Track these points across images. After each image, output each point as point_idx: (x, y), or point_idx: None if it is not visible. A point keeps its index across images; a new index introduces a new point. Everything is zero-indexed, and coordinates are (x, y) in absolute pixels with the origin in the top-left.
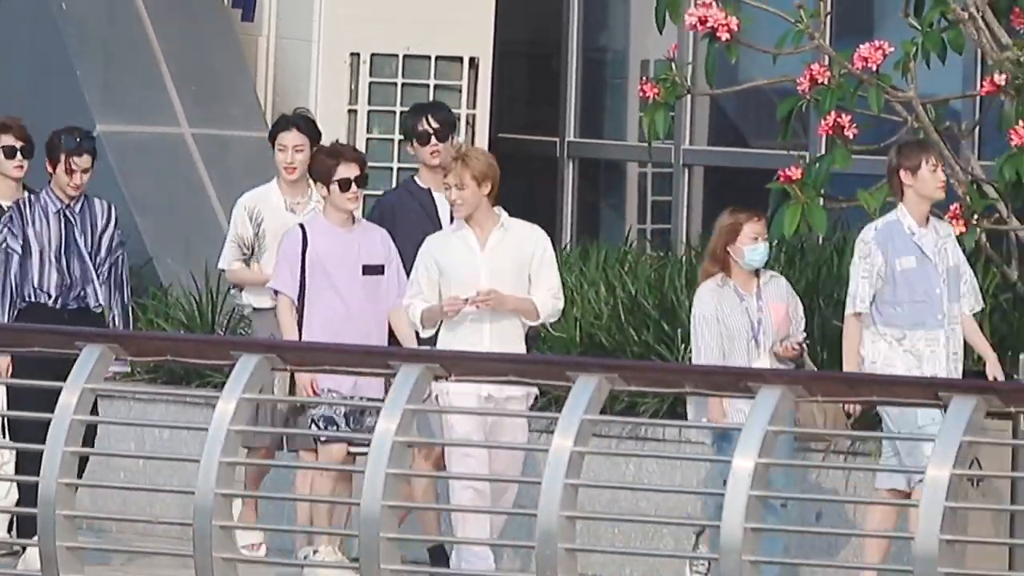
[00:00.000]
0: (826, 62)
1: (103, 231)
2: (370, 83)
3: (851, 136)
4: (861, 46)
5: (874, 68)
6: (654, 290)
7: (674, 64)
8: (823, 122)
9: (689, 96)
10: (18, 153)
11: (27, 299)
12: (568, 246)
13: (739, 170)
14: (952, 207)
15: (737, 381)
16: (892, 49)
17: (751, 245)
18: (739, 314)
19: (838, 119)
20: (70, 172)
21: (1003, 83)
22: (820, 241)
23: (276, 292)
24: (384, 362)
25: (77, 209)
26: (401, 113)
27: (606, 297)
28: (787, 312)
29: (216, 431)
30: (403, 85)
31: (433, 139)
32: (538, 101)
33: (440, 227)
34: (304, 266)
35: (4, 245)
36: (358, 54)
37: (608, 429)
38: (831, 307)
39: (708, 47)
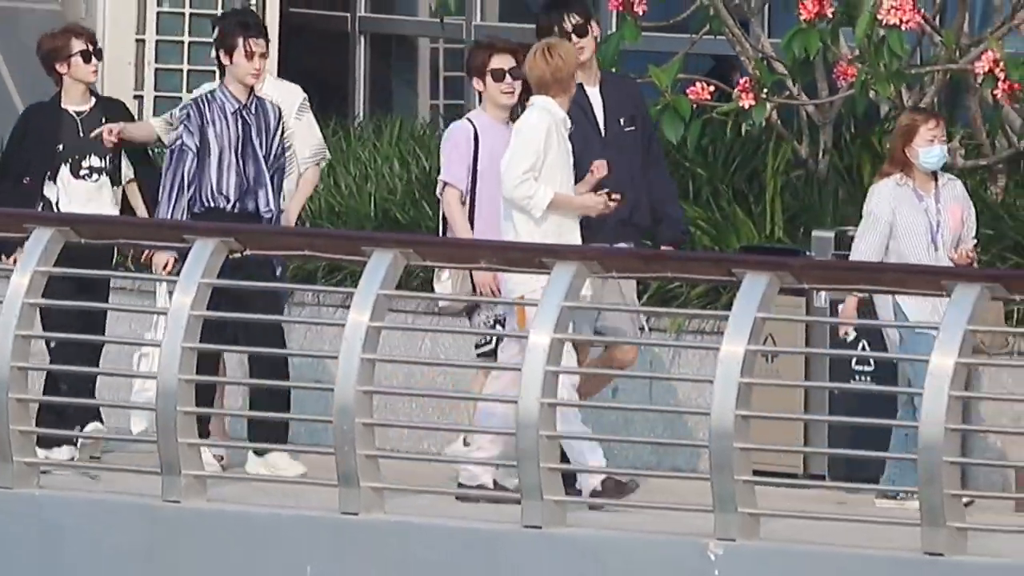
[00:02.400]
0: None
1: (275, 133)
2: None
3: (641, 12)
4: None
5: None
6: None
7: None
8: None
9: None
10: (93, 57)
11: (205, 203)
12: (361, 121)
13: (531, 46)
14: (742, 80)
15: (532, 258)
16: None
17: (927, 147)
18: (918, 213)
19: None
20: (250, 56)
21: None
22: None
23: (445, 184)
24: (179, 235)
25: (253, 109)
26: (191, 3)
27: (400, 172)
28: (962, 215)
29: (9, 306)
30: None
31: (574, 36)
32: None
33: (596, 120)
34: (476, 161)
35: (180, 142)
36: None
37: (404, 304)
38: None
39: None
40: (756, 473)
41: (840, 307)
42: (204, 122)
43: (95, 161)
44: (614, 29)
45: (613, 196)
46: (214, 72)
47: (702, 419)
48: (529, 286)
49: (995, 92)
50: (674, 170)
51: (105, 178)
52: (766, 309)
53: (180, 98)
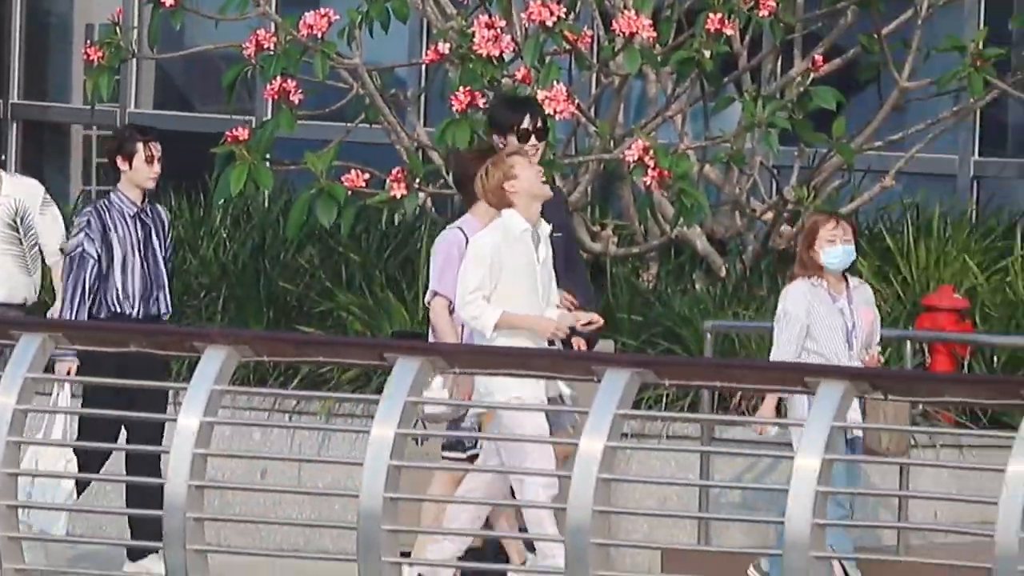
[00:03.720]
0: (273, 29)
1: (168, 235)
2: None
3: (296, 101)
4: (307, 13)
5: (319, 35)
6: None
7: (119, 28)
8: (269, 87)
9: (135, 60)
10: None
11: (111, 307)
12: None
13: (185, 134)
14: (395, 171)
15: (182, 341)
16: (338, 17)
17: (828, 247)
18: (834, 315)
19: (284, 84)
20: (150, 160)
21: (447, 51)
22: (267, 204)
23: (435, 294)
24: None
25: (149, 212)
26: None
27: None
28: (873, 317)
29: None
30: None
31: (534, 138)
32: None
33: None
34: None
35: (80, 250)
36: None
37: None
38: (276, 268)
39: (153, 12)
40: (404, 555)
41: (760, 407)
42: (106, 228)
43: None
44: (269, 116)
45: (582, 322)
46: None
47: (351, 501)
48: (511, 392)
49: (645, 180)
50: (327, 256)
51: None
52: (417, 393)
53: None
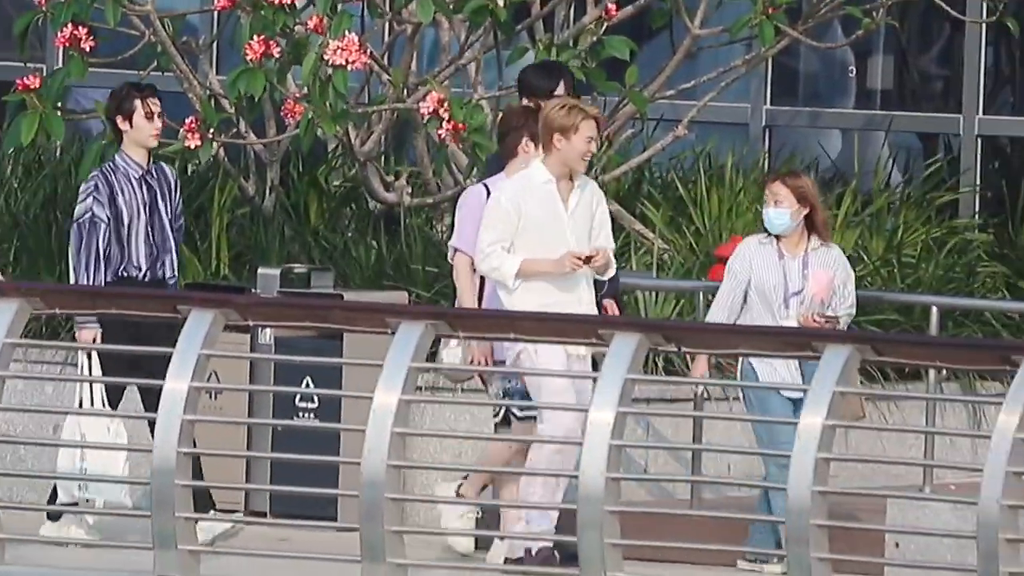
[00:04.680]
0: None
1: (175, 196)
2: None
3: (88, 49)
4: None
5: None
6: None
7: None
8: (60, 35)
9: None
10: None
11: (118, 274)
12: None
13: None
14: (188, 121)
15: None
16: None
17: (766, 208)
18: (774, 271)
19: (75, 32)
20: (150, 116)
21: None
22: (59, 153)
23: (456, 251)
24: None
25: (154, 173)
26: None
27: None
28: (830, 281)
29: None
30: None
31: None
32: None
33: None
34: None
35: (90, 214)
36: None
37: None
38: (69, 219)
39: None
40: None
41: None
42: (113, 191)
43: None
44: (61, 64)
45: (585, 255)
46: None
47: (147, 456)
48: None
49: (440, 132)
50: None
51: None
52: (211, 346)
53: None
